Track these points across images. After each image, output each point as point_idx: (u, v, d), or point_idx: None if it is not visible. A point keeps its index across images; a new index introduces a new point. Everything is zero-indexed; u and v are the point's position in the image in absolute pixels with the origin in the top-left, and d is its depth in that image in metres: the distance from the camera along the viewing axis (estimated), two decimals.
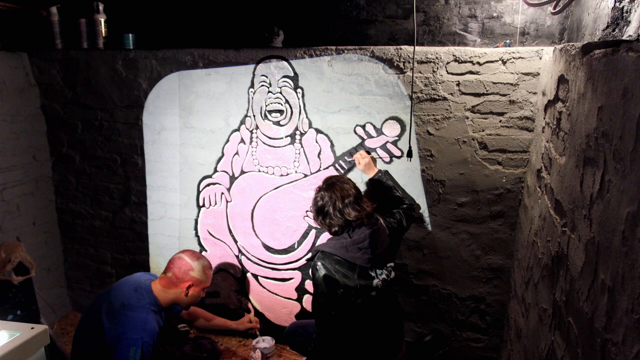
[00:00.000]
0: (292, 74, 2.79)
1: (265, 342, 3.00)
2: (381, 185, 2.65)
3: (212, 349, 2.97)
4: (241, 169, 3.05)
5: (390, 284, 2.33)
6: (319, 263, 2.23)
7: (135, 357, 2.19)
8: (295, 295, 3.16)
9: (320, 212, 2.29)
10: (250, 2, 3.04)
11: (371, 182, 2.70)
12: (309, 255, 2.44)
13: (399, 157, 2.75)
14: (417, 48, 2.58)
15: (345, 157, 2.81)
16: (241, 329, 3.09)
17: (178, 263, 2.50)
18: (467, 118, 2.60)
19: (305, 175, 2.93)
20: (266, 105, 2.88)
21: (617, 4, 1.64)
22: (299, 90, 2.80)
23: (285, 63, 2.79)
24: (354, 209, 2.24)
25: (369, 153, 2.72)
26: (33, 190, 3.35)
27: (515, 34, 2.66)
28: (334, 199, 2.24)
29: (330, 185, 2.30)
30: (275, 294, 3.20)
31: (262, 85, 2.86)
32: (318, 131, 2.84)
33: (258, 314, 3.28)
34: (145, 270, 3.42)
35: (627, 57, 1.02)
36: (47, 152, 3.43)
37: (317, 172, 2.90)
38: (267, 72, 2.83)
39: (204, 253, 3.27)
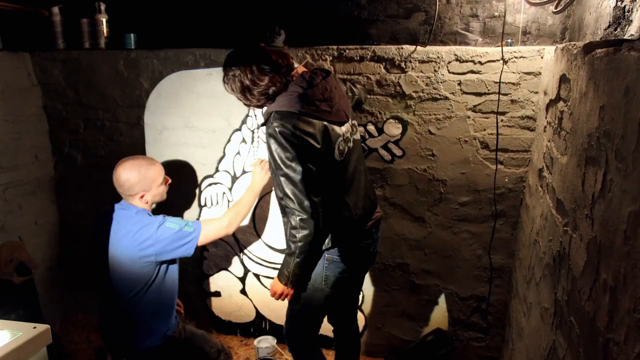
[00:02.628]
0: None
1: (266, 342, 3.00)
2: None
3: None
4: (243, 168, 3.05)
5: (355, 147, 2.12)
6: (275, 124, 1.87)
7: (172, 221, 2.34)
8: None
9: (246, 90, 1.98)
10: (252, 1, 3.04)
11: None
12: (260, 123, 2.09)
13: (400, 157, 2.75)
14: (419, 48, 2.58)
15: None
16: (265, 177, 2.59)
17: (118, 183, 2.39)
18: (469, 117, 2.60)
19: None
20: None
21: (619, 3, 1.64)
22: None
23: None
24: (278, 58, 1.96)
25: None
26: (35, 190, 3.36)
27: (517, 33, 2.65)
28: (250, 64, 1.96)
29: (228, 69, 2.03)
30: None
31: None
32: None
33: (259, 314, 3.28)
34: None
35: (629, 57, 1.02)
36: (49, 152, 3.43)
37: None
38: None
39: (205, 253, 3.27)
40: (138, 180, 2.37)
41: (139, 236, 2.29)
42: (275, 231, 3.08)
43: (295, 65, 2.12)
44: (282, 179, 1.92)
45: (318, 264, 2.18)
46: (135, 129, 3.19)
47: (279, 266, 3.15)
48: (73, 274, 3.69)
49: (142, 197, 2.40)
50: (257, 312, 3.29)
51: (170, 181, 2.55)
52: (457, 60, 2.54)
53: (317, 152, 1.92)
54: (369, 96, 2.70)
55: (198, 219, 3.22)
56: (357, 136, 2.19)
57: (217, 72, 2.90)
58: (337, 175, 2.06)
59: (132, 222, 2.34)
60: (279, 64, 2.00)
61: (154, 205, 2.52)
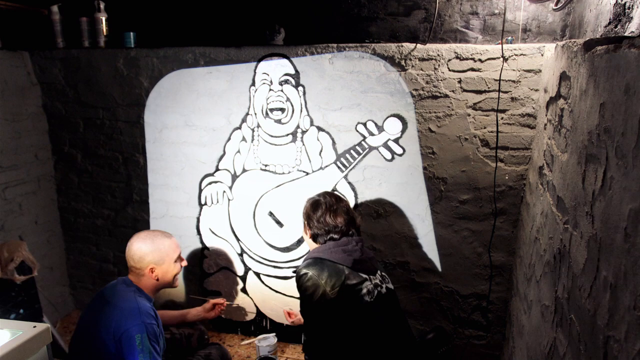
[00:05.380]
0: (293, 72, 2.79)
1: (267, 340, 3.00)
2: None
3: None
4: (243, 167, 3.05)
5: (389, 295, 2.21)
6: (303, 270, 2.14)
7: (144, 342, 2.08)
8: (297, 293, 3.16)
9: (308, 218, 2.29)
10: (252, 0, 3.04)
11: None
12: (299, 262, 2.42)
13: (400, 155, 2.75)
14: (419, 45, 2.58)
15: None
16: (209, 316, 2.85)
17: (129, 253, 2.28)
18: (469, 115, 2.60)
19: (307, 174, 2.93)
20: (267, 103, 2.88)
21: (619, 0, 1.63)
22: (300, 88, 2.80)
23: (286, 61, 2.78)
24: (348, 211, 2.25)
25: None
26: (35, 189, 3.36)
27: (517, 31, 2.65)
28: (326, 202, 2.26)
29: (321, 194, 2.33)
30: (278, 292, 3.20)
31: (264, 83, 2.86)
32: (319, 129, 2.84)
33: (260, 312, 3.29)
34: None
35: (629, 54, 1.01)
36: (49, 151, 3.43)
37: (318, 169, 2.90)
38: (269, 70, 2.83)
39: (206, 252, 3.28)
40: (150, 251, 2.27)
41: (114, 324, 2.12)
42: (275, 230, 3.08)
43: None
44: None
45: None
46: (135, 128, 3.18)
47: (279, 264, 3.17)
48: (74, 274, 3.70)
49: (152, 270, 2.28)
50: (258, 310, 3.29)
51: (186, 263, 2.48)
52: (457, 58, 2.54)
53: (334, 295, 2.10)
54: (369, 94, 2.70)
55: (198, 217, 3.22)
56: (388, 284, 2.25)
57: (217, 71, 2.91)
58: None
59: (121, 301, 2.19)
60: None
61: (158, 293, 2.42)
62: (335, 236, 2.21)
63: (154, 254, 2.29)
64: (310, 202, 2.32)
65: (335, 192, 2.39)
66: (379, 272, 2.24)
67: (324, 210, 2.23)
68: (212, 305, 2.89)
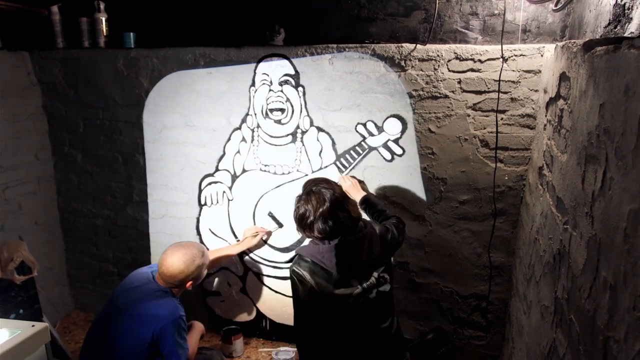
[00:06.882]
0: (293, 72, 2.79)
1: (285, 354, 2.96)
2: (367, 204, 2.58)
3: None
4: (243, 167, 3.05)
5: (378, 299, 2.14)
6: (294, 268, 2.10)
7: (181, 334, 2.32)
8: None
9: (300, 222, 2.11)
10: (251, 0, 3.04)
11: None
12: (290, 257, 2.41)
13: (400, 155, 2.75)
14: (418, 46, 2.58)
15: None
16: (252, 244, 2.98)
17: (168, 267, 2.37)
18: (469, 116, 2.60)
19: (307, 174, 2.93)
20: (267, 104, 2.88)
21: (619, 0, 1.63)
22: (300, 88, 2.80)
23: (286, 61, 2.78)
24: (336, 215, 2.05)
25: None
26: (35, 190, 3.36)
27: (517, 31, 2.65)
28: (311, 208, 2.06)
29: (309, 194, 2.12)
30: (278, 292, 3.20)
31: (264, 84, 2.86)
32: (319, 129, 2.84)
33: (260, 313, 3.29)
34: None
35: (629, 54, 1.01)
36: (48, 151, 3.43)
37: (318, 170, 2.90)
38: (268, 70, 2.83)
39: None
40: (192, 272, 2.43)
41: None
42: (275, 230, 3.08)
43: None
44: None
45: None
46: (135, 128, 3.18)
47: (279, 265, 3.17)
48: (73, 274, 3.70)
49: (189, 285, 2.46)
50: (258, 311, 3.29)
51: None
52: (457, 58, 2.54)
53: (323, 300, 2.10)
54: (369, 95, 2.70)
55: (198, 217, 3.22)
56: (383, 287, 2.16)
57: (217, 71, 2.91)
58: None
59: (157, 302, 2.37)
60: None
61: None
62: (320, 236, 2.08)
63: (195, 273, 2.46)
64: (298, 206, 2.14)
65: (321, 187, 2.15)
66: (376, 274, 2.13)
67: (307, 218, 2.07)
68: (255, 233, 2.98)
